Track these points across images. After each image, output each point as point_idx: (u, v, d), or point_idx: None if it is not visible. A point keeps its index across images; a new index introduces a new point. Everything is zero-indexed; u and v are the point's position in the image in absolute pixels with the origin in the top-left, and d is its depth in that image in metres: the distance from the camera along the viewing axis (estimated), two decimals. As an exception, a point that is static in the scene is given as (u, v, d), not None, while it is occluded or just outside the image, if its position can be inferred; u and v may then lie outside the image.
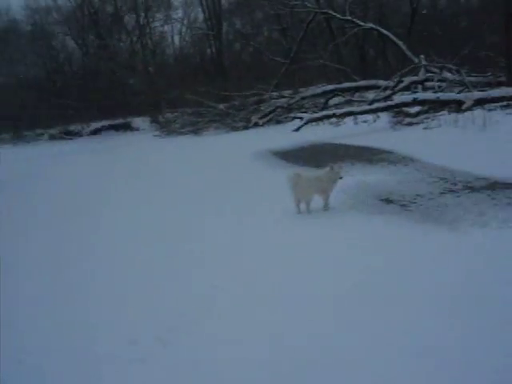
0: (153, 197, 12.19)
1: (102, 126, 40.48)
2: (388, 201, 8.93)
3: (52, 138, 39.57)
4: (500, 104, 17.65)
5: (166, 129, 32.39)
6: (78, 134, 40.11)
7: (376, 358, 4.14)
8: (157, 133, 32.75)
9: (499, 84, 20.75)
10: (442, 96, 19.09)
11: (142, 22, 44.79)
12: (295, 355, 4.33)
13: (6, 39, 45.54)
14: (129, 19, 47.11)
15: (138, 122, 40.07)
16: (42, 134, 40.06)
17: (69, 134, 39.67)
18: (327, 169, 8.83)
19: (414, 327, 4.53)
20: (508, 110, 16.59)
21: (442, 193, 9.05)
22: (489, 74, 22.47)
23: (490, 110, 16.84)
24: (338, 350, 4.33)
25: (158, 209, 10.76)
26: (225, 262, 6.80)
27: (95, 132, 40.15)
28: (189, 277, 6.45)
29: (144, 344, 4.87)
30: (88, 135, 39.84)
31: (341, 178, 8.78)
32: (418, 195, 9.04)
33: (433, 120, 17.80)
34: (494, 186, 9.00)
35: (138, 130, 39.35)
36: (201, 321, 5.21)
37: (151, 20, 46.58)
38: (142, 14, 44.95)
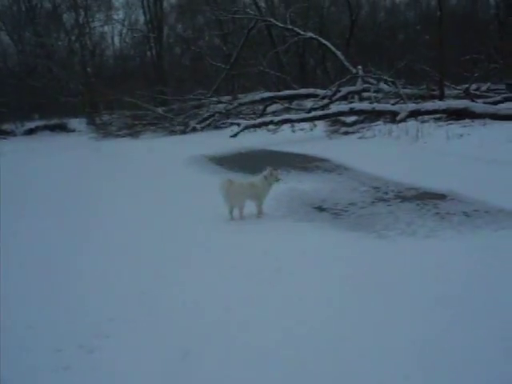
0: (82, 201, 11.76)
1: (37, 126, 39.36)
2: (321, 209, 8.98)
3: (-17, 137, 38.13)
4: (433, 116, 18.11)
5: (103, 131, 31.78)
6: (12, 134, 38.86)
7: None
8: (93, 135, 32.08)
9: (433, 97, 21.33)
10: (378, 107, 19.47)
11: (81, 22, 43.75)
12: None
13: None
14: (68, 18, 46.04)
15: (74, 123, 39.17)
16: (-26, 133, 38.56)
17: (2, 134, 38.41)
18: (264, 173, 8.80)
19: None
20: (440, 123, 17.03)
21: (373, 202, 9.19)
22: (423, 87, 23.03)
23: (423, 121, 17.27)
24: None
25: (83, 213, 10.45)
26: (158, 271, 6.61)
27: (30, 132, 38.99)
28: (120, 283, 6.27)
29: (68, 351, 4.68)
30: (22, 135, 38.64)
31: (278, 180, 8.77)
32: (350, 203, 9.14)
33: (368, 130, 18.12)
34: (423, 196, 9.21)
35: (74, 131, 38.45)
36: (128, 327, 5.07)
37: (91, 20, 45.54)
38: (82, 13, 43.96)
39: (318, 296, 5.29)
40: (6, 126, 38.91)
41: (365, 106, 19.93)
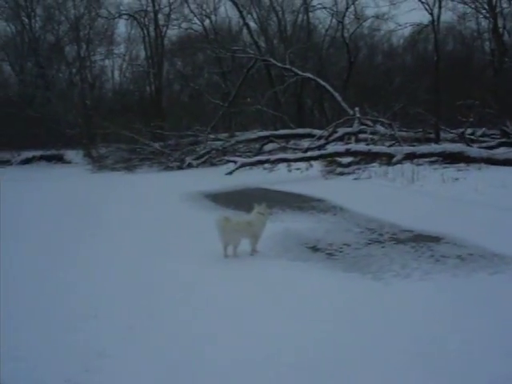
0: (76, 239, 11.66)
1: (34, 156, 39.39)
2: (315, 249, 8.95)
3: (-22, 165, 37.99)
4: (428, 159, 18.22)
5: (99, 163, 31.86)
6: (8, 163, 38.79)
7: None
8: (89, 167, 32.16)
9: (428, 140, 21.52)
10: (374, 148, 19.60)
11: (82, 55, 44.36)
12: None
13: None
14: (70, 50, 46.66)
15: (70, 154, 39.28)
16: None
17: (-2, 162, 38.36)
18: (256, 209, 8.85)
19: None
20: (435, 166, 17.14)
21: (368, 243, 9.16)
22: (419, 130, 23.21)
23: (418, 164, 17.38)
24: None
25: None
26: (147, 307, 6.55)
27: (27, 161, 38.96)
28: (109, 317, 6.19)
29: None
30: (18, 164, 38.58)
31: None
32: (344, 244, 9.11)
33: (364, 171, 18.18)
34: (418, 239, 9.19)
35: (70, 162, 38.52)
36: (117, 362, 4.96)
37: (92, 53, 46.20)
38: (84, 47, 44.57)
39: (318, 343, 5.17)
40: (2, 155, 38.89)
41: (361, 147, 20.06)
